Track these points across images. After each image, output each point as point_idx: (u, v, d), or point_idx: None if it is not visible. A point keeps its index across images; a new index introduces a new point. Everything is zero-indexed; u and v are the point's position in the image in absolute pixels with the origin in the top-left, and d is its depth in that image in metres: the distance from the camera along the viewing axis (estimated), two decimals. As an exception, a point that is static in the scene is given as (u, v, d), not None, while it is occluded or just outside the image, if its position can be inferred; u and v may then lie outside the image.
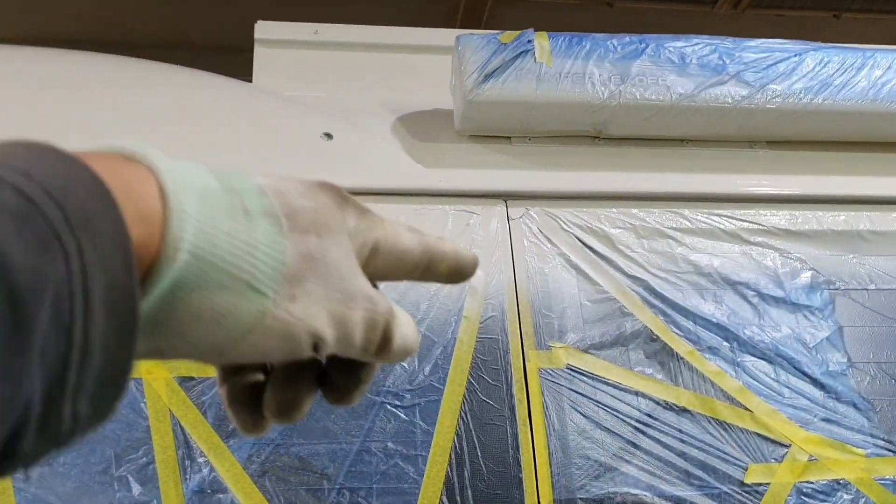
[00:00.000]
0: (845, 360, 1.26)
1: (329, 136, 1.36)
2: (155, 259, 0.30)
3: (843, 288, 1.32)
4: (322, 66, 1.58)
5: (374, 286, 0.39)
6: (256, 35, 1.60)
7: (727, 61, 1.39)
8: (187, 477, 1.03)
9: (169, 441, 1.04)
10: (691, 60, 1.39)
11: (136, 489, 1.01)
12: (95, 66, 1.44)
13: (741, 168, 1.42)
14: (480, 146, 1.41)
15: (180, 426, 1.06)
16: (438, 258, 0.41)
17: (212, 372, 0.99)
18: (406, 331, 0.39)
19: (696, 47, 1.41)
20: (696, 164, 1.42)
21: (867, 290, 1.32)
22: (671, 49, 1.41)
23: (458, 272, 0.43)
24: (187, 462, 1.04)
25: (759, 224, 1.35)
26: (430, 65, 1.56)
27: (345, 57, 1.59)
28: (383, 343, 0.37)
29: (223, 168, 0.35)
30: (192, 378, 1.09)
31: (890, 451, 1.19)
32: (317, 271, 0.34)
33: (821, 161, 1.44)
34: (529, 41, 1.38)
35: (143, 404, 1.06)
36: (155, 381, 1.07)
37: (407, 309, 1.16)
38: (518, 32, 1.39)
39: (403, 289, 1.22)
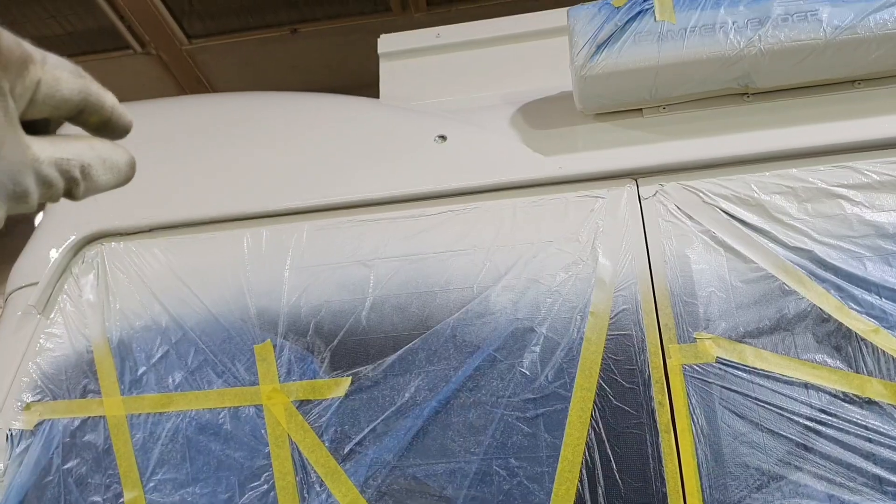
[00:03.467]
0: None
1: (443, 137, 1.31)
2: None
3: None
4: (443, 69, 1.53)
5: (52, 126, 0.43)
6: (380, 50, 1.59)
7: (892, -23, 1.15)
8: (306, 502, 1.02)
9: (288, 467, 1.04)
10: (846, -16, 1.17)
11: (259, 515, 1.01)
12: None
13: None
14: (608, 124, 1.28)
15: (298, 451, 1.04)
16: (91, 109, 0.43)
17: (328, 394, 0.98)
18: (105, 171, 0.44)
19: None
20: (866, 108, 1.18)
21: None
22: (820, -24, 1.19)
23: (106, 126, 0.44)
24: (306, 487, 1.02)
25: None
26: (551, 49, 1.45)
27: (464, 57, 1.53)
28: (82, 180, 0.42)
29: None
30: (309, 401, 1.08)
31: None
32: None
33: None
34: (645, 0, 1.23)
35: (263, 431, 1.07)
36: (275, 406, 1.07)
37: (526, 308, 1.07)
38: (632, -8, 1.25)
39: (522, 289, 1.12)
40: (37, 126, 0.43)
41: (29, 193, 0.40)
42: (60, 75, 0.41)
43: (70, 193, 0.43)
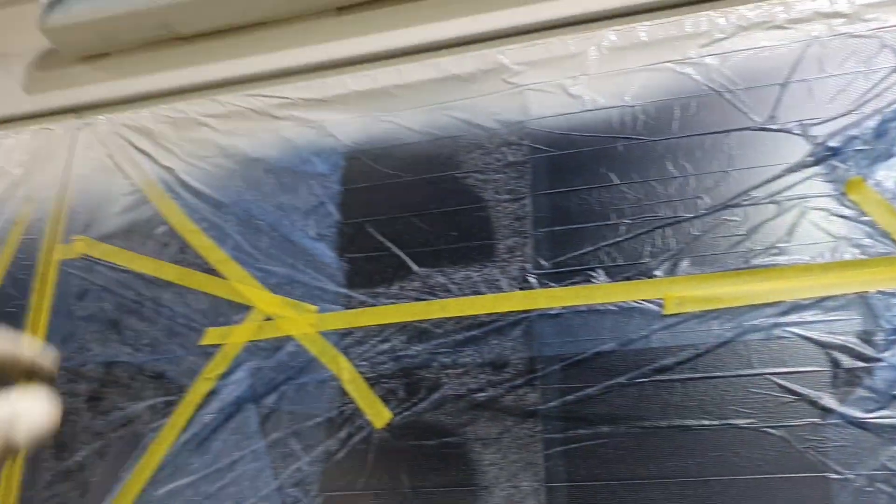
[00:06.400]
0: (335, 220, 1.26)
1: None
2: None
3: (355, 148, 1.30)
4: None
5: None
6: None
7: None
8: None
9: None
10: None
11: None
12: None
13: (287, 44, 1.42)
14: (81, 67, 1.56)
15: None
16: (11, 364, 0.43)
17: None
18: (32, 422, 0.40)
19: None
20: (255, 48, 1.45)
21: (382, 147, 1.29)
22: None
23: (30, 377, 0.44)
24: None
25: (286, 97, 1.37)
26: None
27: None
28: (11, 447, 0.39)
29: None
30: None
31: (343, 306, 1.20)
32: None
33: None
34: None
35: None
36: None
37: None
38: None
39: (-30, 205, 1.45)
40: None
41: None
42: None
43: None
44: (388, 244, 1.21)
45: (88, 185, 1.43)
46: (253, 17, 1.44)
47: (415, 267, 1.18)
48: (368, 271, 1.21)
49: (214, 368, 1.22)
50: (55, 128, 1.49)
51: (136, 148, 1.42)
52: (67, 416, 1.28)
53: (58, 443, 1.25)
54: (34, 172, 1.47)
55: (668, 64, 1.14)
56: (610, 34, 1.20)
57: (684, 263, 1.03)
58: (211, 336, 1.24)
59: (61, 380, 1.30)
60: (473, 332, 1.11)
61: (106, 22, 1.47)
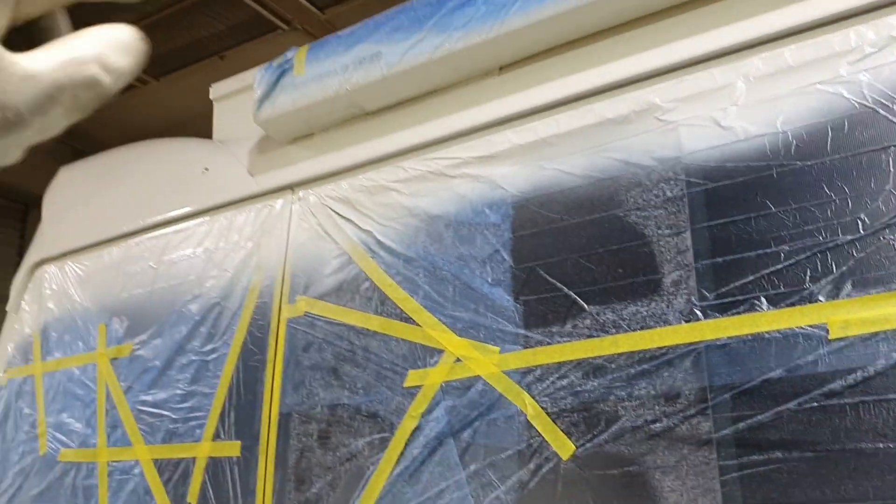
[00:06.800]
0: (509, 266, 1.39)
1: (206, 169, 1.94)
2: None
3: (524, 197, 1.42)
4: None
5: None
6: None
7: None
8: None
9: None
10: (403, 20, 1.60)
11: None
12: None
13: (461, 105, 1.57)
14: (287, 147, 1.82)
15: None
16: None
17: None
18: (119, 59, 0.40)
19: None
20: (430, 115, 1.62)
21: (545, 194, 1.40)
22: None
23: None
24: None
25: (458, 157, 1.52)
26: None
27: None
28: (105, 73, 0.39)
29: None
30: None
31: (522, 345, 1.32)
32: None
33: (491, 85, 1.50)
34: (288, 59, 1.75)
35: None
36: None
37: (217, 289, 1.69)
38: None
39: (217, 273, 1.75)
40: (32, 37, 0.40)
41: (24, 119, 0.36)
42: None
43: (97, 92, 0.39)
44: (559, 285, 1.30)
45: (305, 251, 1.66)
46: (428, 86, 1.61)
47: (586, 305, 1.27)
48: (543, 312, 1.31)
49: (417, 407, 1.39)
50: (275, 204, 1.75)
51: (340, 215, 1.63)
52: (303, 452, 1.51)
53: (298, 476, 1.48)
54: (261, 244, 1.73)
55: (818, 86, 1.14)
56: (756, 62, 1.22)
57: (847, 286, 1.03)
58: (412, 378, 1.41)
59: (296, 422, 1.53)
60: (645, 366, 1.18)
61: (305, 109, 1.71)
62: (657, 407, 1.15)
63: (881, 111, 1.08)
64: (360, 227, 1.60)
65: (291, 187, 1.75)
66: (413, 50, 1.55)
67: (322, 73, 1.68)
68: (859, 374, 0.99)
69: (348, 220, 1.62)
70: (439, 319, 1.42)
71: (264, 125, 1.77)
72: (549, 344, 1.28)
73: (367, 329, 1.51)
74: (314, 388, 1.54)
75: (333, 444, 1.48)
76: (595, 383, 1.21)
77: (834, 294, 1.04)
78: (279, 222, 1.73)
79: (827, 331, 1.03)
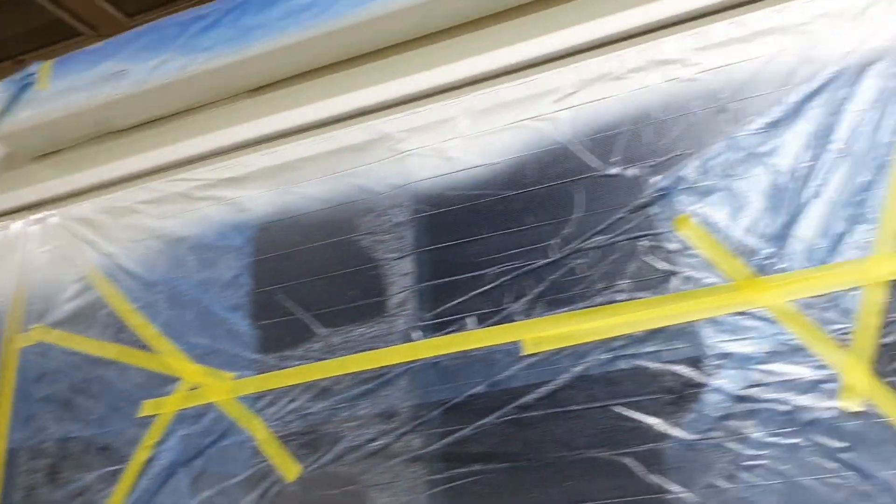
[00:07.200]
0: (249, 290, 1.38)
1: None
2: None
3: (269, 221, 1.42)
4: None
5: None
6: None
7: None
8: None
9: None
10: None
11: None
12: None
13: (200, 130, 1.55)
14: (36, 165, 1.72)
15: None
16: None
17: None
18: None
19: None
20: (179, 135, 1.59)
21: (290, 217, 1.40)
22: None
23: None
24: None
25: (204, 179, 1.49)
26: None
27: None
28: None
29: None
30: None
31: (256, 371, 1.31)
32: None
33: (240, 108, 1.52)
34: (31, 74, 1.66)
35: None
36: None
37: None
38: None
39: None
40: None
41: None
42: None
43: None
44: (294, 309, 1.31)
45: (43, 276, 1.57)
46: (175, 106, 1.58)
47: (318, 328, 1.28)
48: (278, 336, 1.31)
49: (151, 437, 1.34)
50: (9, 226, 1.64)
51: (81, 238, 1.56)
52: (30, 490, 1.41)
53: (17, 517, 1.39)
54: (-5, 269, 1.62)
55: (526, 122, 1.24)
56: (477, 97, 1.30)
57: (539, 306, 1.12)
58: (147, 408, 1.36)
59: (23, 458, 1.43)
60: (367, 386, 1.21)
61: (49, 125, 1.62)
62: (376, 426, 1.18)
63: (570, 147, 1.18)
64: (101, 251, 1.53)
65: (30, 207, 1.65)
66: (159, 69, 1.52)
67: (67, 89, 1.61)
68: (547, 387, 1.07)
69: (90, 242, 1.55)
70: (177, 346, 1.38)
71: (5, 140, 1.66)
72: (281, 368, 1.28)
73: (104, 357, 1.44)
74: (45, 422, 1.45)
75: (63, 480, 1.40)
76: (322, 405, 1.23)
77: (528, 313, 1.12)
78: (15, 245, 1.62)
79: (521, 348, 1.11)
